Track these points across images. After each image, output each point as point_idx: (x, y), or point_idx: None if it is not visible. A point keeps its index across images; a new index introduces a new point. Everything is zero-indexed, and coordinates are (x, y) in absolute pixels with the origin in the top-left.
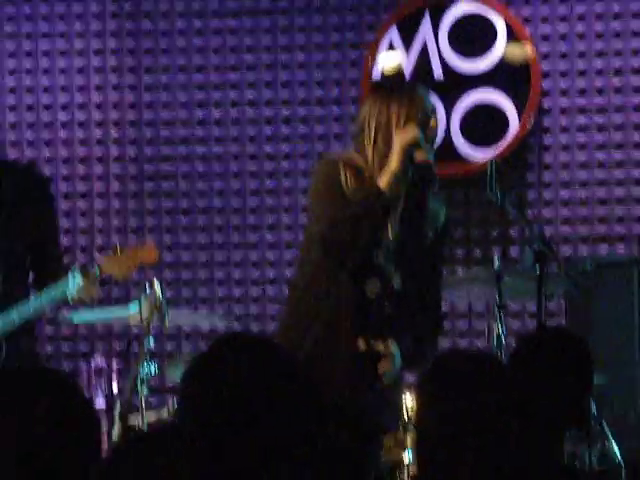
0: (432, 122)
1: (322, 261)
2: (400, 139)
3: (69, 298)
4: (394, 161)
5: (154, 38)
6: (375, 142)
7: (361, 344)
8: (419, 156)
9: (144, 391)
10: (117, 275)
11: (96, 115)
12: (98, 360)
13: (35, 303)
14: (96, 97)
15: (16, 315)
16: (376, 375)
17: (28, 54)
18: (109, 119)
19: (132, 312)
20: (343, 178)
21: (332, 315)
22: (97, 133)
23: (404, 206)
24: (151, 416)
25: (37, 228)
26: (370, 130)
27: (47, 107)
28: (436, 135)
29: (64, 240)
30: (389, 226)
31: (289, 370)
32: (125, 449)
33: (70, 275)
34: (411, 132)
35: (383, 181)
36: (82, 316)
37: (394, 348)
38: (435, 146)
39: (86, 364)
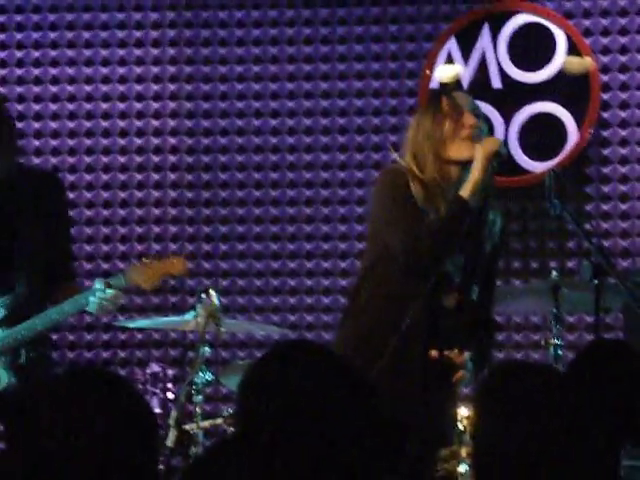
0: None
1: (401, 274)
2: (484, 149)
3: (93, 308)
4: (477, 171)
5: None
6: (434, 153)
7: (434, 354)
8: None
9: (199, 399)
10: (144, 285)
11: (138, 124)
12: (154, 367)
13: (58, 311)
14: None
15: (39, 322)
16: (449, 385)
17: (87, 62)
18: (163, 127)
19: (188, 320)
20: (413, 189)
21: (410, 327)
22: (153, 141)
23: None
24: (206, 424)
25: (55, 233)
26: (429, 141)
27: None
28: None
29: (103, 247)
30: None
31: (347, 379)
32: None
33: (95, 284)
34: (493, 143)
35: (466, 192)
36: (139, 322)
37: (467, 358)
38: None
39: (142, 371)
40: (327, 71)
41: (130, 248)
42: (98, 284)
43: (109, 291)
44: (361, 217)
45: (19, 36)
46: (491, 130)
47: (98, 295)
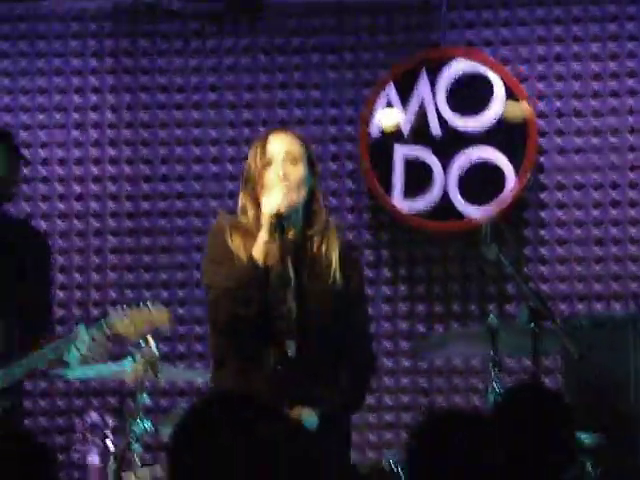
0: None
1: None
2: (265, 209)
3: (76, 355)
4: (263, 232)
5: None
6: (252, 199)
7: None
8: None
9: (138, 448)
10: (131, 336)
11: (95, 170)
12: (93, 416)
13: (39, 357)
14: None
15: (18, 369)
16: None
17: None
18: (109, 174)
19: (127, 368)
20: (230, 237)
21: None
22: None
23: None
24: (145, 473)
25: (32, 280)
26: (245, 186)
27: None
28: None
29: (76, 295)
30: (287, 294)
31: (273, 426)
32: None
33: (79, 331)
34: (274, 200)
35: (256, 252)
36: (76, 372)
37: (305, 413)
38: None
39: (80, 420)
40: (266, 117)
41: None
42: (82, 331)
43: (92, 338)
44: None
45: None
46: (430, 177)
47: (81, 344)
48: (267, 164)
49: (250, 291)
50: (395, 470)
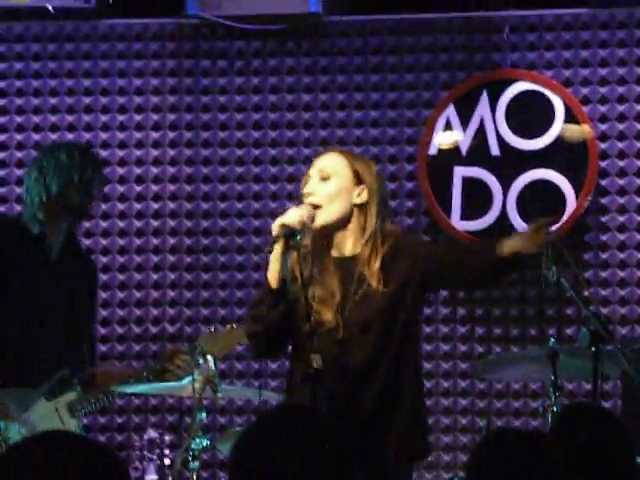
0: None
1: None
2: (274, 224)
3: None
4: (273, 257)
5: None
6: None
7: None
8: None
9: (195, 465)
10: (218, 354)
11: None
12: (151, 433)
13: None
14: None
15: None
16: None
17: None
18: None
19: (185, 385)
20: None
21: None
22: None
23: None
24: None
25: (85, 308)
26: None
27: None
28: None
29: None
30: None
31: (332, 442)
32: None
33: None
34: (285, 215)
35: (271, 279)
36: (135, 388)
37: None
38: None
39: (139, 437)
40: (326, 137)
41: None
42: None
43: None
44: None
45: (19, 101)
46: (488, 197)
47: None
48: (306, 181)
49: (258, 309)
50: None
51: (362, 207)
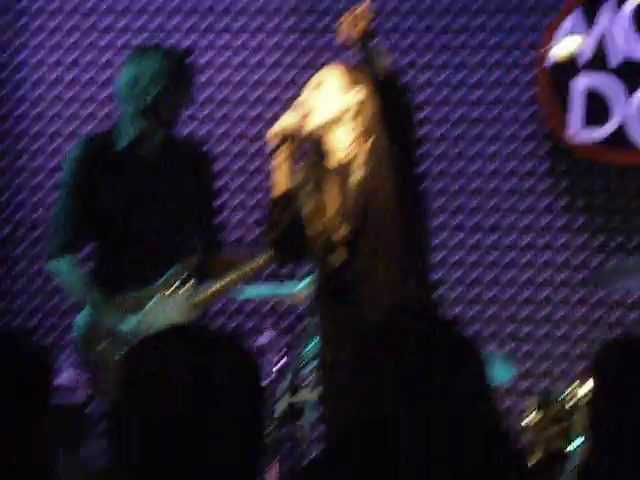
0: None
1: None
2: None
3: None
4: (276, 167)
5: None
6: None
7: None
8: None
9: (311, 368)
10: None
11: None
12: (266, 336)
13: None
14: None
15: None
16: None
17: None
18: None
19: (301, 289)
20: None
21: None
22: None
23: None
24: (315, 395)
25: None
26: None
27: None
28: None
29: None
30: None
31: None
32: None
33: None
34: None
35: (275, 186)
36: (251, 292)
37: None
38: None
39: (254, 340)
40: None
41: None
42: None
43: None
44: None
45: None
46: (609, 107)
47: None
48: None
49: (271, 218)
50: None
51: (357, 110)
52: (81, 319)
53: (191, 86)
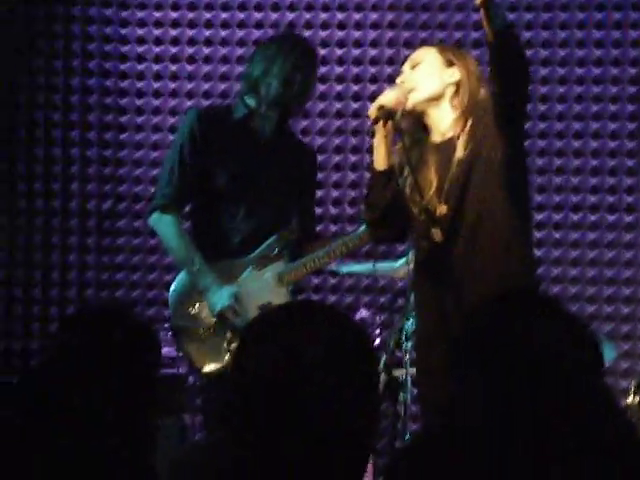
0: None
1: None
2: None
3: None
4: (376, 143)
5: None
6: None
7: None
8: None
9: (408, 345)
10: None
11: None
12: (363, 313)
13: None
14: None
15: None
16: None
17: None
18: None
19: (399, 267)
20: None
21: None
22: None
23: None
24: (414, 371)
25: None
26: None
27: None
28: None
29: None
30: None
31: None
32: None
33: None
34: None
35: (376, 162)
36: (349, 268)
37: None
38: None
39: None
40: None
41: None
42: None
43: None
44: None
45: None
46: None
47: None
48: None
49: (370, 196)
50: None
51: (456, 88)
52: (177, 283)
53: (313, 78)
